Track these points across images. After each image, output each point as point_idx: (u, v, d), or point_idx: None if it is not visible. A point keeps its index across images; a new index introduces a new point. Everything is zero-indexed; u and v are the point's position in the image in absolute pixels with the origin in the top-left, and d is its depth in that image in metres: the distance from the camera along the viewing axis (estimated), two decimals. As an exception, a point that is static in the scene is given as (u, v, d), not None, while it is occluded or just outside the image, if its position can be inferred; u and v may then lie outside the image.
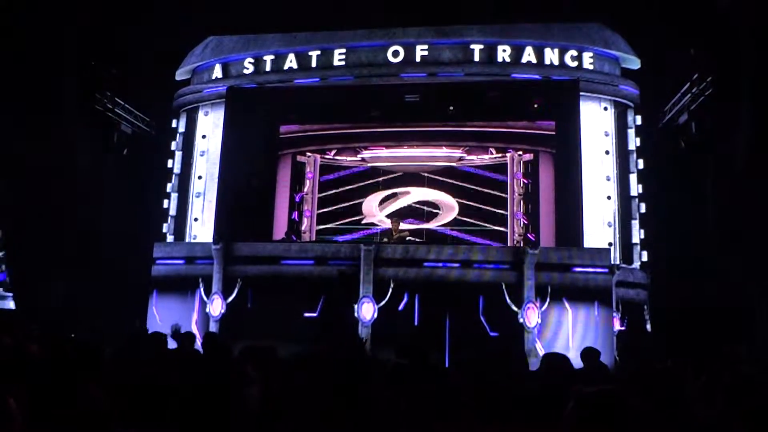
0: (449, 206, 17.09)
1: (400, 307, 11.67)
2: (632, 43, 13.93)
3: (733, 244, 10.29)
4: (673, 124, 13.63)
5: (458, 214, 16.79)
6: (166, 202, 14.79)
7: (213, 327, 12.04)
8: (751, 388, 3.18)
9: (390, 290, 11.68)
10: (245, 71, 14.84)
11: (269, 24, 14.15)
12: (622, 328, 12.27)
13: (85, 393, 2.87)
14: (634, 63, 14.08)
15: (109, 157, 14.36)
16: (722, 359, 4.41)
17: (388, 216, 16.59)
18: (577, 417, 2.29)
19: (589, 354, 5.97)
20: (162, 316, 12.31)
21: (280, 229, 16.15)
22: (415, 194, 17.25)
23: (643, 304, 12.79)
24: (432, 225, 17.03)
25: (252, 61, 14.83)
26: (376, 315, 11.62)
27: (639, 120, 13.90)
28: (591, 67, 13.89)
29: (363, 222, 17.24)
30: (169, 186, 14.85)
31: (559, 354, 5.34)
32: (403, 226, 14.39)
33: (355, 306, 11.67)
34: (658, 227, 13.22)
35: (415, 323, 11.56)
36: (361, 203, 17.26)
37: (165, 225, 14.63)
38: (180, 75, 15.35)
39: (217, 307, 12.22)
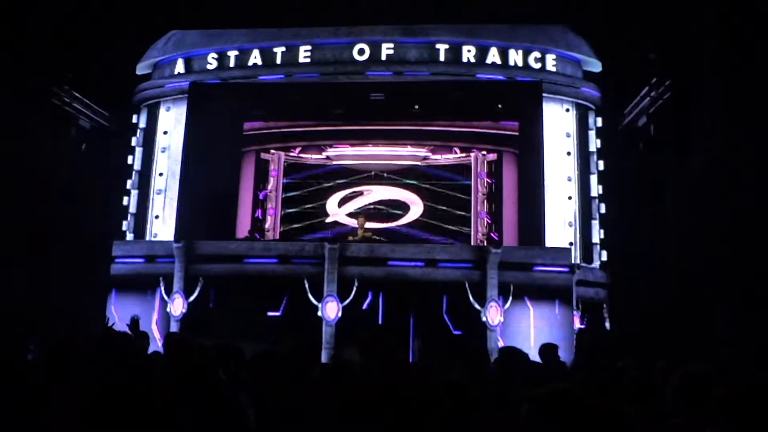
0: (413, 205, 17.15)
1: (365, 306, 11.68)
2: (594, 47, 14.18)
3: (691, 245, 10.55)
4: (633, 126, 13.93)
5: (422, 214, 16.86)
6: (125, 199, 14.47)
7: (174, 327, 11.86)
8: (700, 386, 3.25)
9: (354, 289, 11.68)
10: (208, 66, 14.62)
11: (234, 18, 13.95)
12: (582, 327, 12.50)
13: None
14: (595, 66, 14.34)
15: (66, 153, 13.95)
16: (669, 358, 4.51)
17: (351, 215, 16.58)
18: (531, 420, 2.27)
19: (546, 350, 6.01)
20: (121, 316, 12.02)
21: (243, 228, 15.97)
22: (377, 193, 17.25)
23: (602, 302, 13.05)
24: (396, 224, 17.07)
25: (215, 56, 14.61)
26: (340, 314, 11.59)
27: (600, 122, 14.17)
28: (554, 69, 14.10)
29: (327, 221, 17.17)
30: (129, 183, 14.54)
31: (516, 349, 5.36)
32: (368, 225, 14.39)
33: (319, 305, 11.63)
34: (617, 227, 13.49)
35: (380, 322, 11.58)
36: (324, 203, 17.20)
37: (125, 223, 14.32)
38: (141, 69, 15.02)
39: (178, 306, 12.03)
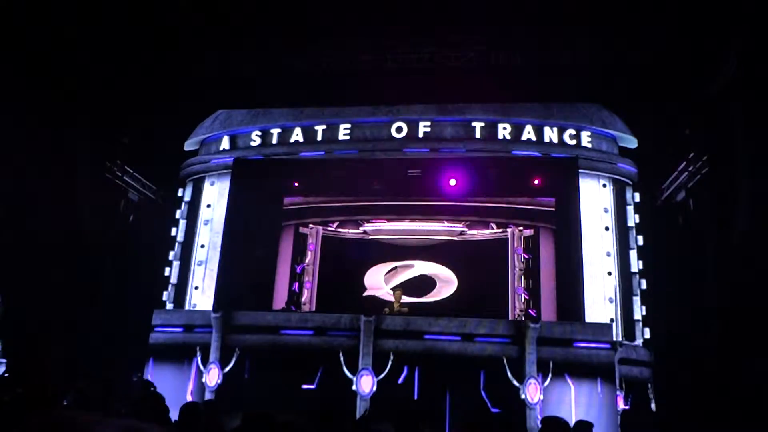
0: (449, 281, 17.09)
1: (400, 380, 11.48)
2: (629, 123, 14.34)
3: (733, 321, 10.22)
4: (672, 201, 13.84)
5: (459, 289, 16.78)
6: (167, 269, 14.81)
7: (209, 397, 11.81)
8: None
9: (390, 362, 11.53)
10: (252, 143, 15.23)
11: (277, 99, 14.61)
12: (626, 407, 12.00)
13: None
14: (631, 142, 14.46)
15: (115, 224, 14.50)
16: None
17: (392, 288, 16.59)
18: None
19: (580, 427, 5.88)
20: (158, 385, 12.05)
21: (280, 300, 16.11)
22: (419, 268, 17.29)
23: (647, 382, 12.56)
24: (432, 299, 16.98)
25: (259, 133, 15.23)
26: (375, 388, 11.40)
27: (637, 197, 14.13)
28: (589, 145, 14.25)
29: (364, 294, 17.20)
30: (171, 254, 14.93)
31: (558, 418, 5.26)
32: (404, 299, 14.36)
33: (354, 378, 11.49)
34: (659, 304, 13.16)
35: (415, 397, 11.34)
36: (362, 277, 17.32)
37: (165, 293, 14.60)
38: (189, 146, 15.75)
39: (213, 377, 12.02)
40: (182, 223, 15.15)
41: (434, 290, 17.14)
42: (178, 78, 13.36)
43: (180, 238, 15.03)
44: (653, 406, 12.30)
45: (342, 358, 11.69)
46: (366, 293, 17.09)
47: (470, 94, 14.07)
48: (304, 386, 11.71)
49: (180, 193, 15.46)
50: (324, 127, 15.00)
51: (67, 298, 12.46)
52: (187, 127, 15.64)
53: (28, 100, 10.82)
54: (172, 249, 14.96)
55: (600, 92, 13.48)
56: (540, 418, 10.99)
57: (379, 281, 17.22)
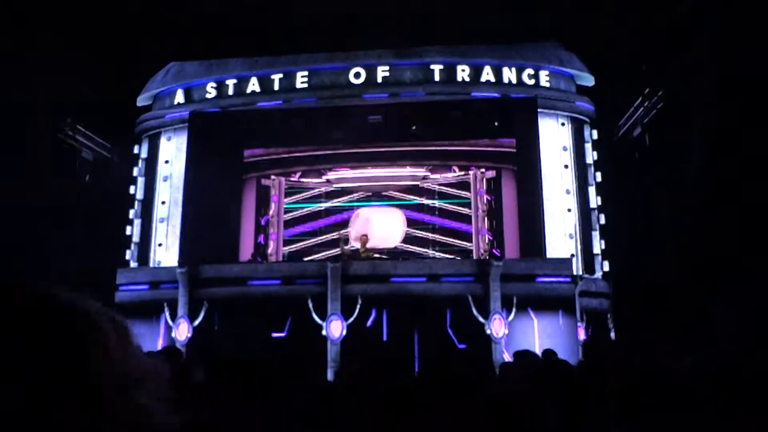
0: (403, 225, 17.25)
1: (369, 323, 11.70)
2: (586, 61, 14.42)
3: (688, 251, 10.61)
4: (628, 137, 14.09)
5: (425, 232, 16.98)
6: (128, 228, 14.59)
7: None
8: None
9: (358, 307, 11.71)
10: (208, 96, 14.88)
11: (232, 48, 14.24)
12: (586, 338, 12.46)
13: None
14: (588, 80, 14.56)
15: (70, 184, 14.12)
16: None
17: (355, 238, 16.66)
18: (486, 415, 2.20)
19: (547, 356, 6.19)
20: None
21: (246, 253, 16.05)
22: (374, 215, 17.38)
23: (606, 312, 13.03)
24: (398, 243, 17.14)
25: (214, 85, 14.88)
26: (345, 332, 11.61)
27: (595, 134, 14.34)
28: (548, 84, 14.31)
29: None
30: (131, 212, 14.68)
31: (529, 351, 5.50)
32: (369, 245, 14.46)
33: (324, 324, 11.66)
34: (617, 237, 13.55)
35: (384, 338, 11.59)
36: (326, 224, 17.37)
37: (128, 252, 14.42)
38: (142, 101, 15.30)
39: (183, 331, 12.06)
40: (140, 181, 14.86)
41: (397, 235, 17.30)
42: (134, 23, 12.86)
43: (139, 195, 14.77)
44: (612, 335, 12.80)
45: (311, 305, 11.82)
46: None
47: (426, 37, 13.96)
48: (275, 334, 11.85)
49: (136, 150, 15.11)
50: (281, 75, 14.73)
51: (25, 260, 12.20)
52: (138, 80, 15.14)
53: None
54: (132, 207, 14.70)
55: (558, 27, 13.49)
56: (505, 351, 11.39)
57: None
